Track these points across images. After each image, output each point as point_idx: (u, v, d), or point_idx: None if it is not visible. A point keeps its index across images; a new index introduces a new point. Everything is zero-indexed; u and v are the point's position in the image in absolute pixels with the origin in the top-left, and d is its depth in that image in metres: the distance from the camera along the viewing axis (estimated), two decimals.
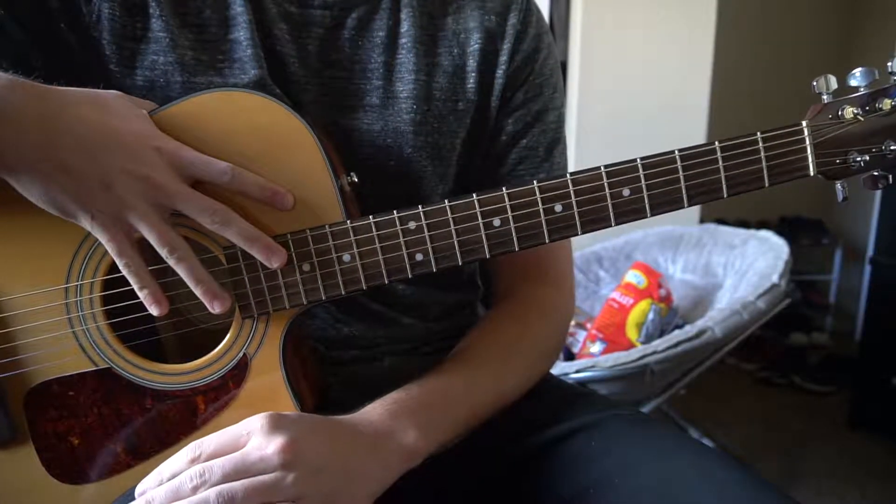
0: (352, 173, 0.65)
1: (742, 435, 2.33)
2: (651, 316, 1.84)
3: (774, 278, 1.73)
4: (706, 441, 2.05)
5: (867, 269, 2.54)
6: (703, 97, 2.50)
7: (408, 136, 0.71)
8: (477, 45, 0.73)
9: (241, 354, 0.62)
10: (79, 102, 0.55)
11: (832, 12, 3.07)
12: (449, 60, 0.73)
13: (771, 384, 2.75)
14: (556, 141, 0.80)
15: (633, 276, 1.93)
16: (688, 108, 2.53)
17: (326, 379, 0.72)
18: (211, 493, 0.51)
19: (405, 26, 0.71)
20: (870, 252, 2.50)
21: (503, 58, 0.74)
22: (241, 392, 0.63)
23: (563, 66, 2.47)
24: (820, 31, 3.07)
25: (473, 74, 0.73)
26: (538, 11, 0.78)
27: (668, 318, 1.90)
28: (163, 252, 0.57)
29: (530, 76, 0.76)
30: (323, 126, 0.66)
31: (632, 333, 1.83)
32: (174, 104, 0.60)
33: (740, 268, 1.99)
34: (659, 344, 1.53)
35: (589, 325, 1.89)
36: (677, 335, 1.55)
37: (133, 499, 0.61)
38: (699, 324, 1.59)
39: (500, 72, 0.74)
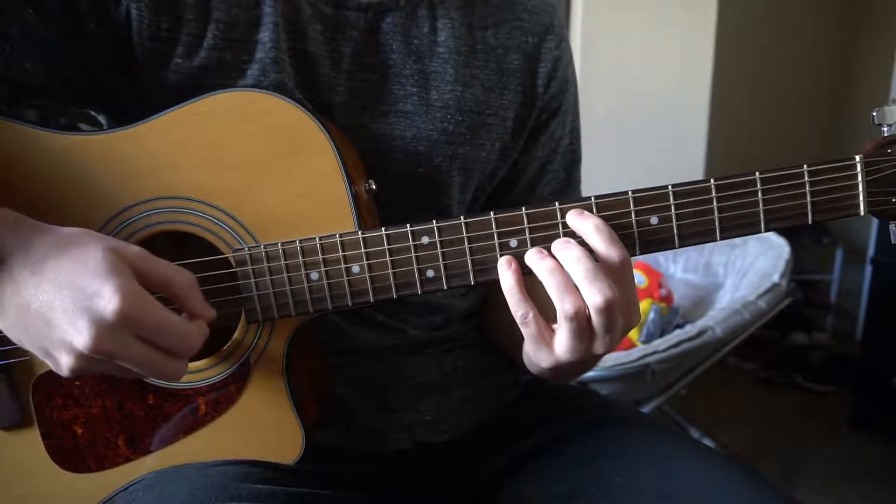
0: (370, 180, 0.64)
1: (742, 435, 2.33)
2: (652, 315, 1.84)
3: (775, 278, 1.73)
4: (706, 441, 2.05)
5: (868, 268, 2.54)
6: (703, 97, 2.50)
7: (440, 144, 0.70)
8: (514, 65, 0.74)
9: (243, 358, 0.62)
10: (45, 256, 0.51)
11: (832, 12, 3.07)
12: (486, 74, 0.72)
13: (771, 384, 2.75)
14: (576, 161, 0.82)
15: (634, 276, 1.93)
16: (688, 108, 2.53)
17: (332, 383, 0.72)
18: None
19: (443, 36, 0.70)
20: (870, 252, 2.50)
21: (540, 80, 0.75)
22: (242, 396, 0.63)
23: None
24: (821, 30, 3.07)
25: (509, 93, 0.74)
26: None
27: (669, 317, 1.90)
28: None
29: (562, 105, 0.78)
30: (348, 130, 0.65)
31: (632, 333, 1.83)
32: (188, 103, 0.60)
33: (741, 267, 1.99)
34: (660, 343, 1.53)
35: None
36: (678, 335, 1.55)
37: (133, 494, 0.62)
38: (700, 323, 1.59)
39: (537, 93, 0.75)
